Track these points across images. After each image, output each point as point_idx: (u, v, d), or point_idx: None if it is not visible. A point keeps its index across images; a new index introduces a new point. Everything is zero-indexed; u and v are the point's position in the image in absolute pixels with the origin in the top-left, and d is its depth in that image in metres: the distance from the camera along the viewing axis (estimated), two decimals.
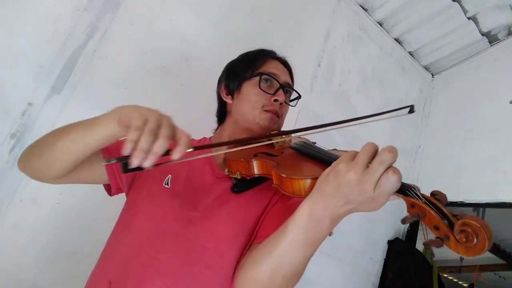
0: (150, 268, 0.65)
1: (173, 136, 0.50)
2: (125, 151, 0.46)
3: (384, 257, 1.90)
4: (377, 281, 1.85)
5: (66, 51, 1.14)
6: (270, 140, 0.69)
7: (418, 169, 2.14)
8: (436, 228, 0.41)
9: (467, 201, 1.77)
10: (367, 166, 0.44)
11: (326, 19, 1.88)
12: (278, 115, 0.83)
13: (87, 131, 0.58)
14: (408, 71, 2.26)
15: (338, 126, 0.70)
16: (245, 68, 0.85)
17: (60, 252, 1.08)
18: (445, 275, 4.20)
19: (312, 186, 0.51)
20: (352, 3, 2.01)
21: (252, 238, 0.71)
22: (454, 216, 0.41)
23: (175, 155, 0.48)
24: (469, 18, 1.95)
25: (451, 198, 1.86)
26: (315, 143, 0.81)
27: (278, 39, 1.64)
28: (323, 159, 0.57)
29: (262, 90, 0.81)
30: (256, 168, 0.67)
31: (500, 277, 4.02)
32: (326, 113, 1.80)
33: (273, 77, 0.83)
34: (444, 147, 2.06)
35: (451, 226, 0.40)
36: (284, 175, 0.55)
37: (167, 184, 0.76)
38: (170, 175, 0.77)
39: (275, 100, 0.81)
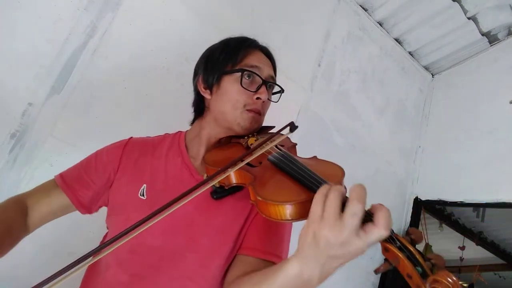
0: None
1: None
2: None
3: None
4: (377, 281, 1.86)
5: (66, 51, 1.14)
6: (252, 154, 0.65)
7: (418, 169, 2.14)
8: (409, 276, 0.42)
9: (467, 201, 1.78)
10: (340, 217, 0.43)
11: (326, 19, 1.88)
12: (260, 113, 0.79)
13: None
14: (408, 71, 2.26)
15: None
16: (226, 61, 0.78)
17: (61, 252, 1.08)
18: None
19: (288, 212, 0.51)
20: (352, 3, 2.00)
21: (237, 248, 0.69)
22: (428, 261, 0.42)
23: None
24: (469, 18, 1.95)
25: (451, 198, 1.87)
26: (296, 144, 0.79)
27: (278, 39, 1.63)
28: (300, 180, 0.55)
29: (244, 87, 0.75)
30: (234, 178, 0.65)
31: (500, 277, 4.02)
32: (326, 113, 1.80)
33: (255, 73, 0.77)
34: (444, 147, 2.06)
35: (424, 275, 0.41)
36: (260, 198, 0.54)
37: (143, 195, 0.71)
38: (145, 185, 0.72)
39: (258, 98, 0.76)
